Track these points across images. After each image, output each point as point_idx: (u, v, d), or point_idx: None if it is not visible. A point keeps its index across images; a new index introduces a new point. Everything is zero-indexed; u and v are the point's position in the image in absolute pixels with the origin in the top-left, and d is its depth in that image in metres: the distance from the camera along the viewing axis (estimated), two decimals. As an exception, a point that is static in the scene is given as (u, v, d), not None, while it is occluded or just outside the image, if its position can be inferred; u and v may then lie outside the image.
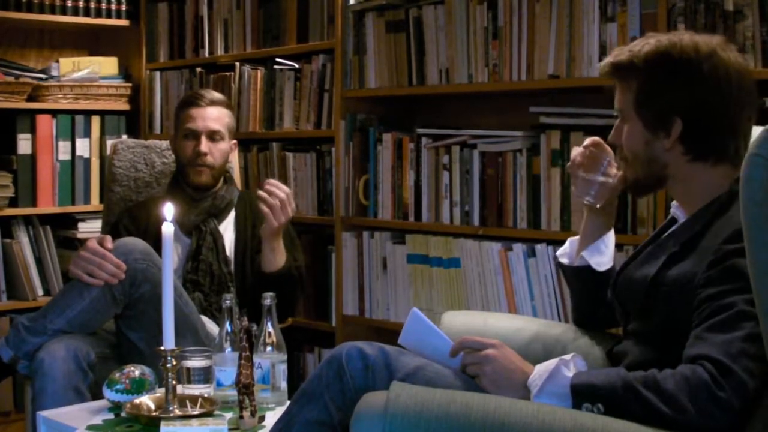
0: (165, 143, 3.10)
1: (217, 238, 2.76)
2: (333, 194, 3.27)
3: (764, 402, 1.43)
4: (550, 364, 1.61)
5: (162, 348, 1.92)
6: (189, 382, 2.11)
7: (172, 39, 3.98)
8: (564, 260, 2.05)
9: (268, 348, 2.10)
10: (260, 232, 2.65)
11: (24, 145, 3.68)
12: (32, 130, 3.70)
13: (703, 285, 1.56)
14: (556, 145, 2.66)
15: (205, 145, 2.78)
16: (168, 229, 1.94)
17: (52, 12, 3.82)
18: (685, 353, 1.53)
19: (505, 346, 1.70)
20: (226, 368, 2.08)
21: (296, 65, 3.44)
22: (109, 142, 3.68)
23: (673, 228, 1.79)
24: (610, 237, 1.99)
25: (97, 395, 2.23)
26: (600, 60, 2.29)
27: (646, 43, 1.71)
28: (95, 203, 3.82)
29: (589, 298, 2.01)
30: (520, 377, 1.63)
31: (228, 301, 2.14)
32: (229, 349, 2.10)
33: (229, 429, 1.86)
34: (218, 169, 2.82)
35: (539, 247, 2.68)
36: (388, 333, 2.93)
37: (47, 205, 3.74)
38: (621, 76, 1.74)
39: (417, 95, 3.07)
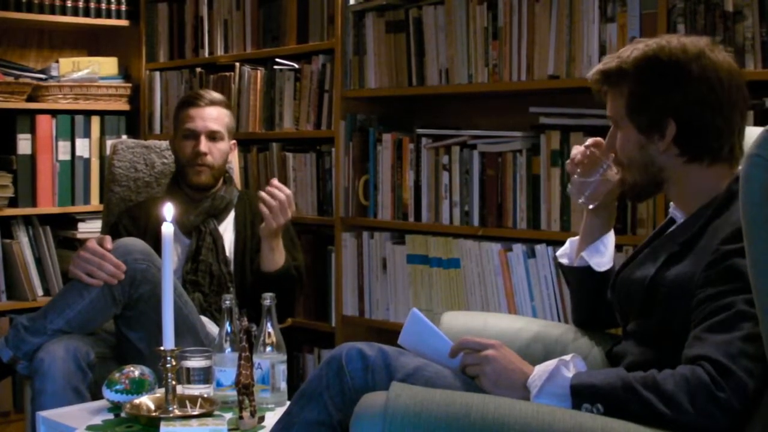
0: (165, 143, 3.10)
1: (217, 239, 2.76)
2: (333, 194, 3.27)
3: (764, 402, 1.43)
4: (549, 364, 1.61)
5: (162, 348, 1.92)
6: (189, 382, 2.11)
7: (171, 39, 3.98)
8: (564, 260, 2.05)
9: (268, 348, 2.10)
10: (260, 232, 2.65)
11: (24, 145, 3.68)
12: (32, 131, 3.70)
13: (701, 285, 1.56)
14: (556, 145, 2.66)
15: (204, 145, 2.78)
16: (168, 229, 1.94)
17: (52, 12, 3.82)
18: (684, 354, 1.53)
19: (505, 346, 1.70)
20: (226, 368, 2.08)
21: (296, 65, 3.44)
22: (109, 143, 3.68)
23: (672, 228, 1.79)
24: (610, 237, 1.99)
25: (96, 395, 2.23)
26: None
27: (635, 49, 1.72)
28: (95, 203, 3.82)
29: (588, 299, 2.01)
30: (520, 378, 1.63)
31: (228, 302, 2.14)
32: (228, 349, 2.10)
33: (229, 429, 1.86)
34: (218, 169, 2.82)
35: (539, 248, 2.68)
36: (388, 333, 2.93)
37: (47, 205, 3.74)
38: (611, 82, 1.75)
39: (417, 95, 3.07)
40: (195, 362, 2.12)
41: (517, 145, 2.76)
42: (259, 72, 3.55)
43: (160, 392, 2.06)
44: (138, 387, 2.08)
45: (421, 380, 1.62)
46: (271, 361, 2.09)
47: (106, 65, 4.01)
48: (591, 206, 1.94)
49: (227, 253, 2.77)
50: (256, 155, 3.55)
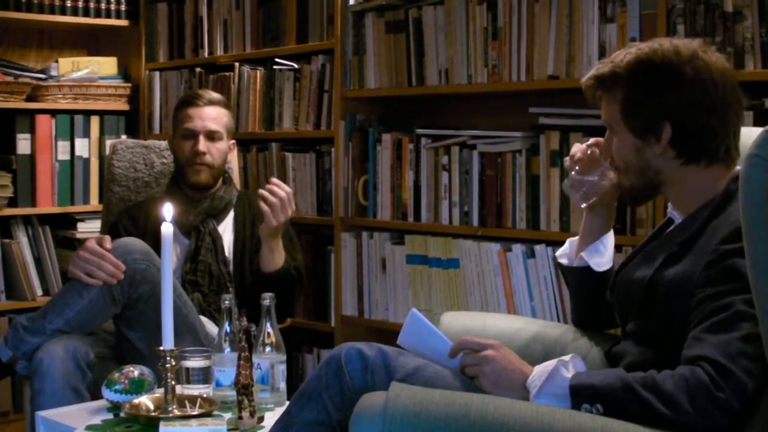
0: (164, 143, 3.10)
1: (216, 239, 2.76)
2: (332, 194, 3.27)
3: (763, 402, 1.43)
4: (549, 364, 1.61)
5: (161, 348, 1.92)
6: (188, 382, 2.11)
7: (171, 39, 3.98)
8: (563, 261, 2.05)
9: (267, 348, 2.10)
10: (259, 232, 2.65)
11: (23, 145, 3.68)
12: (31, 130, 3.70)
13: (701, 285, 1.56)
14: (556, 145, 2.66)
15: (203, 144, 2.78)
16: (167, 229, 1.94)
17: (52, 12, 3.82)
18: (683, 354, 1.53)
19: (504, 346, 1.70)
20: (225, 368, 2.08)
21: (296, 65, 3.44)
22: (109, 142, 3.68)
23: (671, 228, 1.79)
24: (610, 238, 1.99)
25: (96, 395, 2.23)
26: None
27: (627, 53, 1.72)
28: (94, 203, 3.82)
29: (588, 299, 2.01)
30: (519, 378, 1.63)
31: (227, 302, 2.14)
32: (228, 349, 2.10)
33: (228, 429, 1.86)
34: (217, 168, 2.82)
35: (538, 248, 2.68)
36: (387, 333, 2.93)
37: (46, 205, 3.73)
38: (605, 87, 1.75)
39: (416, 96, 3.07)
40: (194, 362, 2.12)
41: (516, 146, 2.76)
42: (258, 72, 3.55)
43: (159, 392, 2.06)
44: (137, 387, 2.08)
45: (420, 380, 1.62)
46: (270, 361, 2.09)
47: (106, 65, 4.01)
48: (583, 204, 1.94)
49: (226, 253, 2.77)
50: (256, 155, 3.55)
